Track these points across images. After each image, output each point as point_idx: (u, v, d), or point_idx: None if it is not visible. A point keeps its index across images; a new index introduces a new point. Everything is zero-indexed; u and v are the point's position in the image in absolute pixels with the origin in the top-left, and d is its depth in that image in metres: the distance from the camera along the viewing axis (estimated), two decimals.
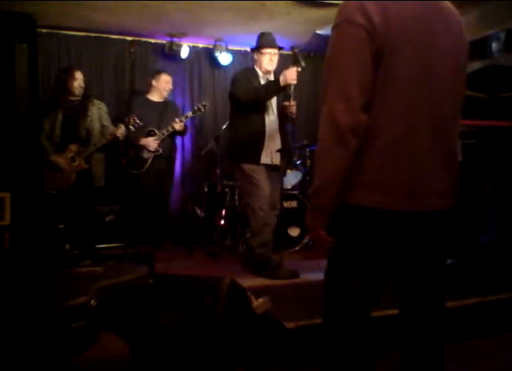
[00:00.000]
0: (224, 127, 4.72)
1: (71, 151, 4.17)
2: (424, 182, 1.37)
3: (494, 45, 4.43)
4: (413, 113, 1.34)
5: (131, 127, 4.24)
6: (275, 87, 3.46)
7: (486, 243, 3.27)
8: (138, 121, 4.25)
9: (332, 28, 1.35)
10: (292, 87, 3.46)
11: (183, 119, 4.65)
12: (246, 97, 3.53)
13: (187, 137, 5.47)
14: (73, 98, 4.24)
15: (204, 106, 4.64)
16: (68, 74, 4.23)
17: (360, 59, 1.29)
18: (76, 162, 4.17)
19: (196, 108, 4.71)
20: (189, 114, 4.70)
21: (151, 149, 4.59)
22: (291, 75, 3.38)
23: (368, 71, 1.30)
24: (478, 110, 4.40)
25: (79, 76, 4.26)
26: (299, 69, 3.45)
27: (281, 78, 3.40)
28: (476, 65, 4.69)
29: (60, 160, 4.16)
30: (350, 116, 1.29)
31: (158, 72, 4.87)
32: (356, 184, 1.36)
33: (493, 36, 4.44)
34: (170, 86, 4.86)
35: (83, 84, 4.27)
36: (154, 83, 4.80)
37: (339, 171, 1.34)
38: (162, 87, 4.78)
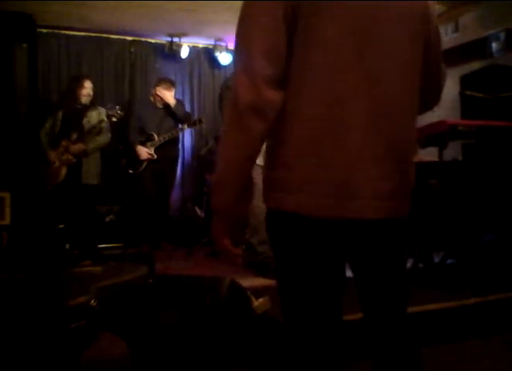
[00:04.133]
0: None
1: (62, 146, 4.27)
2: (356, 180, 1.07)
3: (494, 45, 4.43)
4: (341, 89, 1.05)
5: (113, 118, 4.30)
6: None
7: (486, 243, 3.27)
8: (119, 112, 4.31)
9: None
10: None
11: (179, 130, 4.71)
12: None
13: (187, 138, 5.48)
14: (79, 106, 4.37)
15: (200, 121, 4.67)
16: (78, 82, 4.37)
17: (265, 23, 1.04)
18: (65, 157, 4.25)
19: (192, 122, 4.72)
20: (185, 126, 4.72)
21: (142, 158, 4.61)
22: None
23: (278, 36, 1.04)
24: (478, 110, 4.41)
25: (88, 85, 4.39)
26: None
27: None
28: (476, 65, 4.69)
29: (51, 154, 4.28)
30: (252, 92, 1.02)
31: (158, 81, 4.83)
32: (273, 182, 1.11)
33: (493, 36, 4.44)
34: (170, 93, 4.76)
35: (91, 93, 4.41)
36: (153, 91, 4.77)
37: (239, 162, 1.08)
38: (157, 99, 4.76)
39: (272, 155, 1.12)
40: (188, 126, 4.71)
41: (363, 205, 1.08)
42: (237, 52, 1.09)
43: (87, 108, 4.37)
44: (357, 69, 1.05)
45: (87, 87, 4.37)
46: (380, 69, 1.08)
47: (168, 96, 4.70)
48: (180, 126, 4.76)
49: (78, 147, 4.27)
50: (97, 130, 4.33)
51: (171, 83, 4.78)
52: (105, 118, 4.31)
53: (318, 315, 1.15)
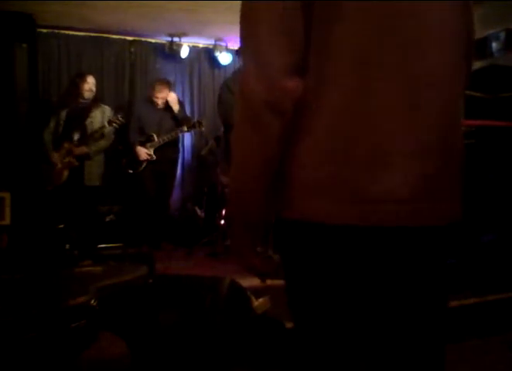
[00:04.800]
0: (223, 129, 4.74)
1: (64, 148, 4.28)
2: (393, 178, 0.86)
3: (494, 45, 4.43)
4: (370, 70, 0.86)
5: (114, 125, 4.32)
6: None
7: (486, 243, 3.27)
8: (120, 119, 4.34)
9: None
10: None
11: (178, 132, 4.69)
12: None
13: (187, 138, 5.47)
14: (82, 100, 4.39)
15: (200, 124, 4.67)
16: (81, 78, 4.40)
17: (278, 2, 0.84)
18: (67, 159, 4.25)
19: (191, 124, 4.71)
20: (184, 129, 4.71)
21: (141, 159, 4.61)
22: None
23: (292, 13, 0.84)
24: (478, 110, 4.40)
25: (91, 80, 4.42)
26: None
27: None
28: (476, 65, 4.69)
29: (54, 155, 4.29)
30: (266, 84, 0.85)
31: (156, 81, 4.83)
32: (291, 186, 0.92)
33: (493, 36, 4.44)
34: (162, 95, 4.74)
35: (93, 88, 4.42)
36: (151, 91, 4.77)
37: (259, 168, 0.92)
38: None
39: (291, 155, 0.93)
40: (187, 129, 4.71)
41: (390, 209, 0.87)
42: (242, 39, 0.91)
43: (90, 107, 4.38)
44: (389, 44, 0.86)
45: (90, 83, 4.39)
46: (417, 41, 0.88)
47: (172, 100, 4.70)
48: (180, 128, 4.76)
49: (81, 150, 4.27)
50: (98, 135, 4.34)
51: (168, 84, 4.78)
52: (107, 124, 4.32)
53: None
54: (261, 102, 0.86)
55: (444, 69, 0.91)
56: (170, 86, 4.81)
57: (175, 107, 4.70)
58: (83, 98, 4.37)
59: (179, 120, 4.74)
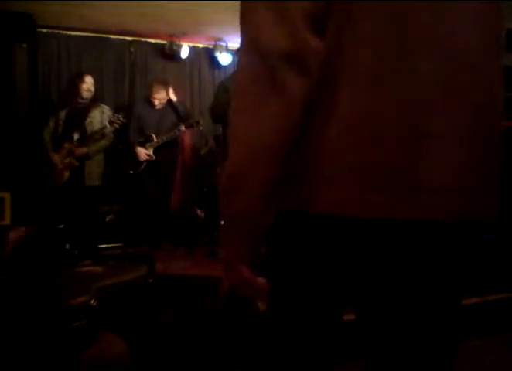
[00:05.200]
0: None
1: (65, 148, 4.28)
2: (418, 164, 0.72)
3: None
4: (399, 39, 0.72)
5: (115, 125, 4.33)
6: None
7: (486, 243, 3.27)
8: (121, 119, 4.34)
9: None
10: None
11: (176, 132, 4.69)
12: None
13: (187, 138, 5.47)
14: (81, 100, 4.38)
15: (198, 123, 4.67)
16: (79, 78, 4.40)
17: None
18: (68, 160, 4.26)
19: (189, 123, 4.71)
20: (182, 127, 4.71)
21: (141, 159, 4.62)
22: None
23: None
24: None
25: (88, 80, 4.41)
26: None
27: None
28: None
29: (54, 156, 4.28)
30: (288, 35, 0.68)
31: (153, 82, 4.83)
32: (304, 175, 0.75)
33: None
34: (159, 95, 4.72)
35: (92, 88, 4.42)
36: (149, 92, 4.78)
37: (272, 143, 0.72)
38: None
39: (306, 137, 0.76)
40: (185, 127, 4.71)
41: (423, 200, 0.72)
42: (242, 16, 0.75)
43: (89, 107, 4.38)
44: (418, 12, 0.72)
45: (88, 82, 4.38)
46: (449, 13, 0.74)
47: (166, 94, 4.71)
48: (178, 127, 4.76)
49: (81, 151, 4.28)
50: (99, 135, 4.35)
51: (165, 85, 4.78)
52: (107, 124, 4.32)
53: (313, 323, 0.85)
54: (282, 57, 0.68)
55: (477, 48, 0.77)
56: (168, 86, 4.81)
57: (173, 97, 4.72)
58: (82, 98, 4.36)
59: (181, 115, 4.75)
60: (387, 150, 0.71)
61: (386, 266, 0.75)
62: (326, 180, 0.73)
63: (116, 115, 4.37)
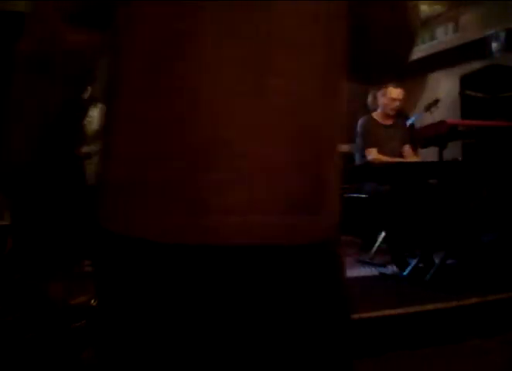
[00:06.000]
0: None
1: None
2: (215, 179, 0.58)
3: (494, 45, 4.43)
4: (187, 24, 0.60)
5: None
6: None
7: (486, 243, 3.27)
8: None
9: None
10: None
11: None
12: None
13: None
14: None
15: None
16: None
17: None
18: None
19: None
20: None
21: None
22: None
23: None
24: (478, 110, 4.41)
25: None
26: None
27: None
28: (476, 65, 4.69)
29: None
30: (36, 32, 0.66)
31: None
32: (104, 185, 0.66)
33: (493, 36, 4.45)
34: None
35: (90, 87, 4.39)
36: None
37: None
38: None
39: (102, 143, 0.69)
40: None
41: (220, 222, 0.58)
42: None
43: (87, 107, 4.41)
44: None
45: None
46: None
47: None
48: None
49: (82, 151, 4.29)
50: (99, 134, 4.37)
51: None
52: None
53: None
54: (26, 58, 0.65)
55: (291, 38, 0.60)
56: None
57: None
58: None
59: None
60: (169, 167, 0.59)
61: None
62: (115, 196, 0.63)
63: None
